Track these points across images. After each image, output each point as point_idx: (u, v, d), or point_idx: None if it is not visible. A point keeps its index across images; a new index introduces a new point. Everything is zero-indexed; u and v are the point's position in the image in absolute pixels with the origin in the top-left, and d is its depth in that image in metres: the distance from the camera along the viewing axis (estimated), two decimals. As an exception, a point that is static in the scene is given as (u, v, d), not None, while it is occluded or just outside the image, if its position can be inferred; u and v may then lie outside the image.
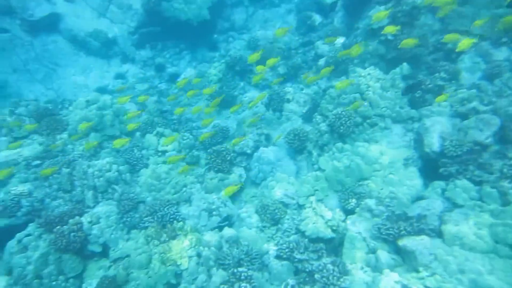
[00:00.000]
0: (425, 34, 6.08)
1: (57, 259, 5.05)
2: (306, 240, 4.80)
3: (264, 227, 5.52)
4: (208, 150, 6.35)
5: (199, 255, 5.02)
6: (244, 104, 7.11)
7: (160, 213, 5.47)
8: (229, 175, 6.19)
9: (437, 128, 5.14)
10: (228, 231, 5.29)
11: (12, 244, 5.07)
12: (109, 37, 9.41)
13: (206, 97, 7.81)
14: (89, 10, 9.36)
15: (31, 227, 5.22)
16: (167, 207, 5.59)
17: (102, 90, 8.26)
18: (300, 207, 5.58)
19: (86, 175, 5.72)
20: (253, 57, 6.23)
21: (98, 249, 5.22)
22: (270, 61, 6.09)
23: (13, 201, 5.56)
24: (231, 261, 4.88)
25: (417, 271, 4.03)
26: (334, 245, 4.80)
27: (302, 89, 7.13)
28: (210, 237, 5.18)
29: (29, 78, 8.95)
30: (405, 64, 5.91)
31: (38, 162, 5.97)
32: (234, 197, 6.10)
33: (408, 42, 5.32)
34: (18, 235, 5.13)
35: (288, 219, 5.43)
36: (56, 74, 9.08)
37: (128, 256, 5.01)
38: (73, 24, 9.25)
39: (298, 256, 4.62)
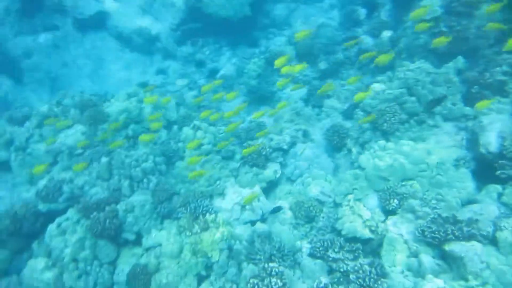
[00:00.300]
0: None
1: (93, 244, 5.17)
2: (342, 239, 4.53)
3: (298, 224, 5.31)
4: (244, 144, 6.24)
5: (230, 248, 4.91)
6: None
7: (193, 204, 5.44)
8: (264, 170, 6.04)
9: (496, 127, 4.67)
10: (260, 226, 5.14)
11: (52, 228, 5.26)
12: (152, 34, 9.66)
13: (243, 91, 7.73)
14: (134, 7, 9.67)
15: (70, 212, 5.40)
16: (200, 199, 5.55)
17: (143, 85, 8.45)
18: (337, 205, 5.31)
19: (123, 165, 5.83)
20: (280, 61, 5.48)
21: (131, 237, 5.28)
22: (296, 68, 5.69)
23: (55, 187, 5.78)
24: (262, 256, 4.72)
25: (466, 279, 3.63)
26: (372, 246, 4.48)
27: (343, 86, 6.82)
28: (242, 231, 5.06)
29: (77, 72, 9.40)
30: (460, 57, 5.45)
31: (80, 151, 6.18)
32: (268, 192, 5.94)
33: (441, 40, 4.89)
34: (58, 220, 5.32)
35: (323, 217, 5.18)
36: (102, 69, 9.47)
37: (160, 245, 5.01)
38: (119, 21, 9.60)
39: (333, 255, 4.36)
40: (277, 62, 5.49)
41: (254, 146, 5.84)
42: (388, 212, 4.70)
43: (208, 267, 4.81)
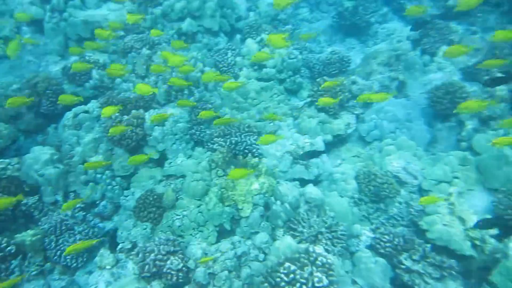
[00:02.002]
0: None
1: (109, 150, 4.24)
2: (427, 245, 3.19)
3: (361, 200, 4.00)
4: (317, 80, 4.75)
5: (267, 206, 3.78)
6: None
7: (235, 138, 4.24)
8: (334, 119, 4.62)
9: None
10: (311, 190, 3.88)
11: (68, 116, 4.36)
12: None
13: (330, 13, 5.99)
14: None
15: (91, 104, 4.43)
16: (246, 134, 4.33)
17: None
18: (422, 192, 3.87)
19: (166, 64, 4.62)
20: None
21: (155, 155, 4.27)
22: None
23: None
24: (305, 230, 3.55)
25: None
26: (470, 267, 3.12)
27: (475, 33, 4.89)
28: (287, 189, 3.83)
29: None
30: None
31: (122, 33, 5.03)
32: (331, 149, 4.59)
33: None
34: (76, 109, 4.38)
35: (399, 203, 3.80)
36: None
37: (183, 177, 3.96)
38: None
39: (407, 263, 3.07)
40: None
41: (331, 82, 4.35)
42: (508, 227, 3.22)
43: (235, 221, 3.75)
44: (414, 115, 4.46)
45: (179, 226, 3.52)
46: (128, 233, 3.61)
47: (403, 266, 3.07)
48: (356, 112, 4.66)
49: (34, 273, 3.35)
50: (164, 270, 3.07)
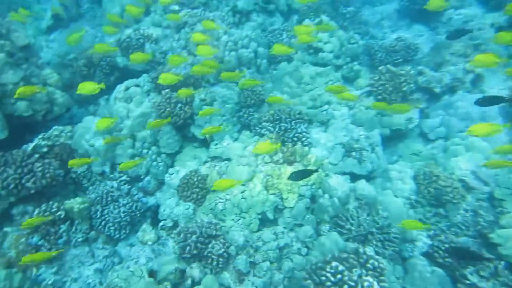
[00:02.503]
0: None
1: (157, 126, 4.20)
2: (502, 262, 2.81)
3: (418, 203, 3.65)
4: (379, 68, 4.36)
5: (313, 198, 3.55)
6: None
7: (284, 125, 4.02)
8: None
9: None
10: (363, 186, 3.59)
11: (119, 89, 4.36)
12: None
13: None
14: None
15: (143, 78, 4.40)
16: (296, 121, 4.09)
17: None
18: (494, 202, 3.44)
19: (218, 41, 4.47)
20: None
21: (201, 135, 4.17)
22: None
23: (138, 42, 4.77)
24: (354, 228, 3.28)
25: None
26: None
27: None
28: (337, 183, 3.57)
29: None
30: None
31: (176, 8, 4.93)
32: (387, 143, 4.23)
33: None
34: (128, 82, 4.37)
35: (465, 211, 3.40)
36: None
37: (228, 160, 3.83)
38: None
39: (474, 279, 2.73)
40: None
41: (396, 70, 3.96)
42: None
43: (278, 210, 3.56)
44: (491, 114, 3.96)
45: (222, 210, 3.40)
46: (170, 211, 3.56)
47: (467, 282, 2.73)
48: (421, 106, 4.24)
49: (80, 239, 3.40)
50: (205, 253, 2.97)
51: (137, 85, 4.34)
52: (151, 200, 4.04)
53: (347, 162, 3.89)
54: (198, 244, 2.98)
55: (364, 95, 4.52)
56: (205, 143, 4.20)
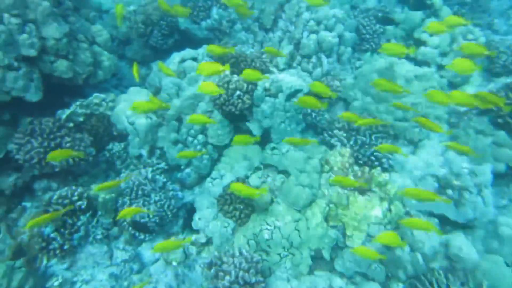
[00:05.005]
0: None
1: (208, 112, 3.53)
2: None
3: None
4: (509, 82, 3.25)
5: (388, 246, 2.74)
6: None
7: (362, 138, 3.16)
8: (515, 145, 3.16)
9: None
10: (462, 244, 2.73)
11: (174, 59, 3.69)
12: None
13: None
14: None
15: (202, 50, 3.70)
16: (378, 135, 3.20)
17: None
18: None
19: (297, 20, 3.59)
20: None
21: (257, 131, 3.44)
22: None
23: (205, 5, 4.03)
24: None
25: None
26: None
27: None
28: (424, 234, 2.70)
29: None
30: None
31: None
32: (498, 181, 3.21)
33: None
34: (185, 53, 3.70)
35: None
36: None
37: (285, 173, 3.07)
38: None
39: None
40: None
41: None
42: None
43: (337, 248, 2.81)
44: None
45: (267, 240, 2.71)
46: (206, 224, 2.96)
47: None
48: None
49: (99, 236, 2.93)
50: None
51: (194, 58, 3.66)
52: (187, 196, 3.47)
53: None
54: (231, 290, 2.36)
55: (472, 113, 3.46)
56: (263, 143, 3.47)
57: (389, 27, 4.05)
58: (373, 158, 3.12)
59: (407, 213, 2.91)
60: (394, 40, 3.86)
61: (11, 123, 3.14)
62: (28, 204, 3.11)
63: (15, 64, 2.90)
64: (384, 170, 3.08)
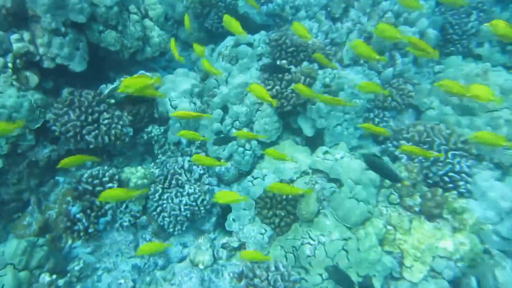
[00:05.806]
0: None
1: (256, 104, 3.18)
2: None
3: None
4: None
5: (456, 284, 2.23)
6: None
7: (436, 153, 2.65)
8: None
9: None
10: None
11: (227, 43, 3.40)
12: None
13: None
14: None
15: (259, 36, 3.35)
16: (456, 152, 2.67)
17: None
18: None
19: (372, 10, 3.13)
20: None
21: (309, 131, 3.04)
22: None
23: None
24: None
25: None
26: None
27: None
28: (508, 280, 2.16)
29: None
30: None
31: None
32: None
33: None
34: (239, 37, 3.38)
35: None
36: None
37: (337, 181, 2.64)
38: None
39: None
40: None
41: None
42: None
43: (390, 279, 2.35)
44: None
45: (308, 256, 2.31)
46: (240, 227, 2.61)
47: None
48: None
49: (126, 223, 2.70)
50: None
51: (250, 44, 3.32)
52: (224, 192, 3.15)
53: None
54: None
55: None
56: (311, 142, 3.07)
57: (484, 27, 3.41)
58: (447, 178, 2.60)
59: (486, 251, 2.37)
60: (488, 45, 3.25)
61: (53, 92, 3.00)
62: (61, 179, 2.96)
63: (63, 29, 2.74)
64: (460, 195, 2.55)
